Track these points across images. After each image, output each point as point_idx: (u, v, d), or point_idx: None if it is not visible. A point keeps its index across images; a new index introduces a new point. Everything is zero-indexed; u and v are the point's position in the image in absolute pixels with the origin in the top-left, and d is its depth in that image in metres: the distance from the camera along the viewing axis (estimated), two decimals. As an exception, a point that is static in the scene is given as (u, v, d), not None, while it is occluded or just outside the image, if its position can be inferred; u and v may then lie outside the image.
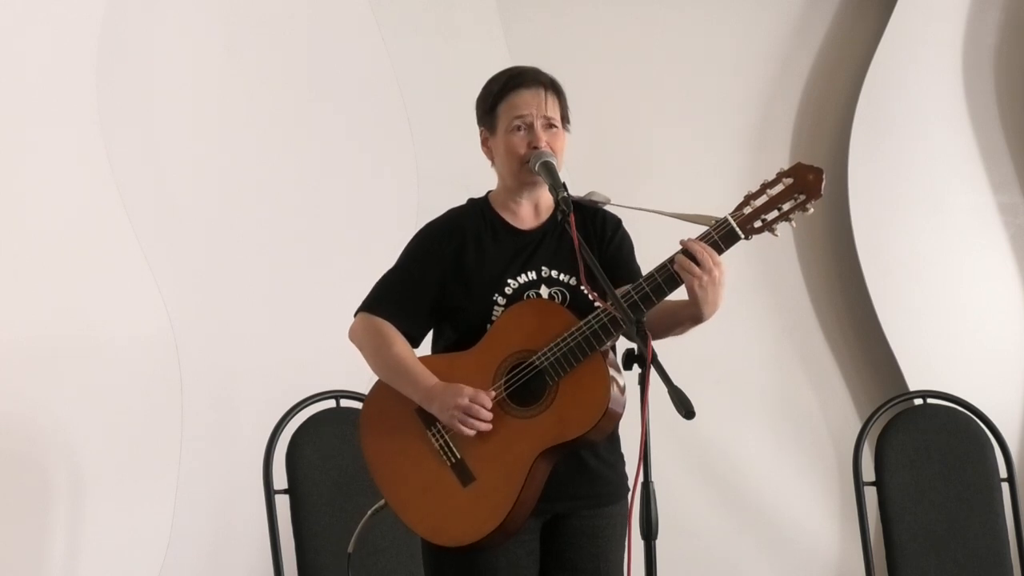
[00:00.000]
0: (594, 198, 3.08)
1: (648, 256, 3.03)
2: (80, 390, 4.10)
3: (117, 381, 4.16)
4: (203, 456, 4.28)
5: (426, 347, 3.15)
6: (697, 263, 2.83)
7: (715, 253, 2.85)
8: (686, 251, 2.85)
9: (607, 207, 3.11)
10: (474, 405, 2.92)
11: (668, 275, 2.86)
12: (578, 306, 2.97)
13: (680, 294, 2.90)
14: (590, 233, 3.07)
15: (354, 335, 3.11)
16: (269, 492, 3.86)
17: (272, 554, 3.87)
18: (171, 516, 4.22)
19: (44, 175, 4.10)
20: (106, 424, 4.14)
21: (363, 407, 3.12)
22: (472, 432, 2.93)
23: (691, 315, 2.91)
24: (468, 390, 2.93)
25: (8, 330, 4.01)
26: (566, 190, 2.94)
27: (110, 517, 4.14)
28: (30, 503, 4.06)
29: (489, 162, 3.13)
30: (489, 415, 2.93)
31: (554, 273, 3.04)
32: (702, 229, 2.88)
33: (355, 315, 3.12)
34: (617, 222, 3.13)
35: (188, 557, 4.26)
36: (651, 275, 2.88)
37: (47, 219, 4.09)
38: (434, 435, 2.99)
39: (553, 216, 3.06)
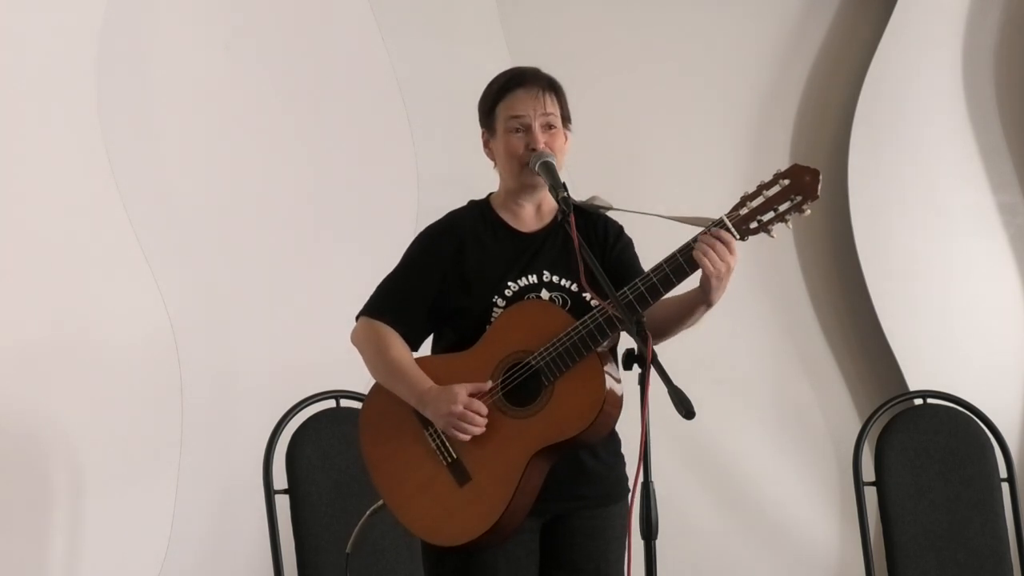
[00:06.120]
0: (596, 203, 3.07)
1: (646, 259, 3.03)
2: (80, 390, 4.11)
3: (117, 381, 4.16)
4: (203, 456, 4.28)
5: (426, 348, 3.15)
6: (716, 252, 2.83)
7: (732, 241, 2.84)
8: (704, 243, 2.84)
9: (609, 213, 3.10)
10: (469, 412, 2.92)
11: (676, 265, 2.85)
12: (578, 311, 2.96)
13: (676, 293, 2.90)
14: (592, 238, 3.06)
15: (355, 339, 3.11)
16: (269, 492, 3.86)
17: (272, 554, 3.87)
18: (171, 516, 4.22)
19: (44, 175, 4.10)
20: (106, 424, 4.14)
21: (362, 409, 3.13)
22: (467, 437, 2.93)
23: (704, 301, 2.91)
24: (463, 397, 2.92)
25: (8, 330, 4.01)
26: (566, 190, 2.93)
27: (110, 517, 4.14)
28: (30, 503, 4.06)
29: (492, 164, 3.12)
30: (484, 421, 2.93)
31: (555, 278, 3.03)
32: (698, 231, 2.87)
33: (356, 319, 3.12)
34: (619, 229, 3.13)
35: (188, 557, 4.26)
36: (659, 266, 2.86)
37: (47, 219, 4.09)
38: (431, 435, 2.99)
39: (556, 218, 3.05)
